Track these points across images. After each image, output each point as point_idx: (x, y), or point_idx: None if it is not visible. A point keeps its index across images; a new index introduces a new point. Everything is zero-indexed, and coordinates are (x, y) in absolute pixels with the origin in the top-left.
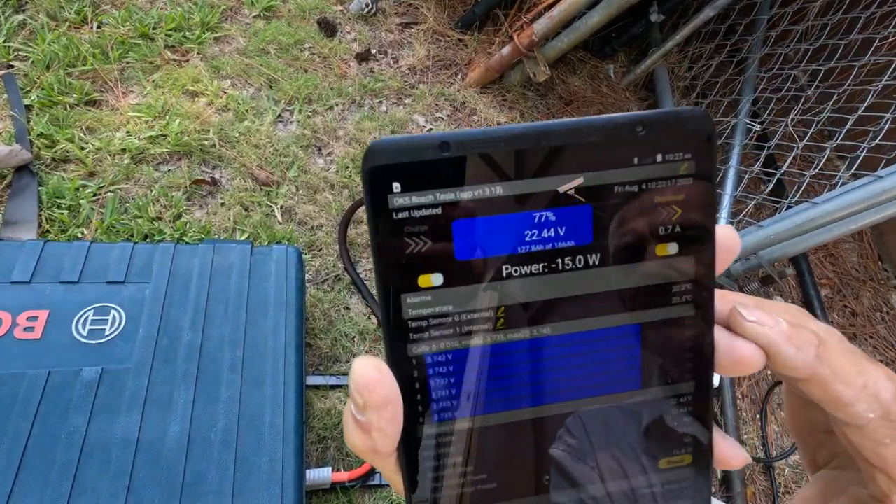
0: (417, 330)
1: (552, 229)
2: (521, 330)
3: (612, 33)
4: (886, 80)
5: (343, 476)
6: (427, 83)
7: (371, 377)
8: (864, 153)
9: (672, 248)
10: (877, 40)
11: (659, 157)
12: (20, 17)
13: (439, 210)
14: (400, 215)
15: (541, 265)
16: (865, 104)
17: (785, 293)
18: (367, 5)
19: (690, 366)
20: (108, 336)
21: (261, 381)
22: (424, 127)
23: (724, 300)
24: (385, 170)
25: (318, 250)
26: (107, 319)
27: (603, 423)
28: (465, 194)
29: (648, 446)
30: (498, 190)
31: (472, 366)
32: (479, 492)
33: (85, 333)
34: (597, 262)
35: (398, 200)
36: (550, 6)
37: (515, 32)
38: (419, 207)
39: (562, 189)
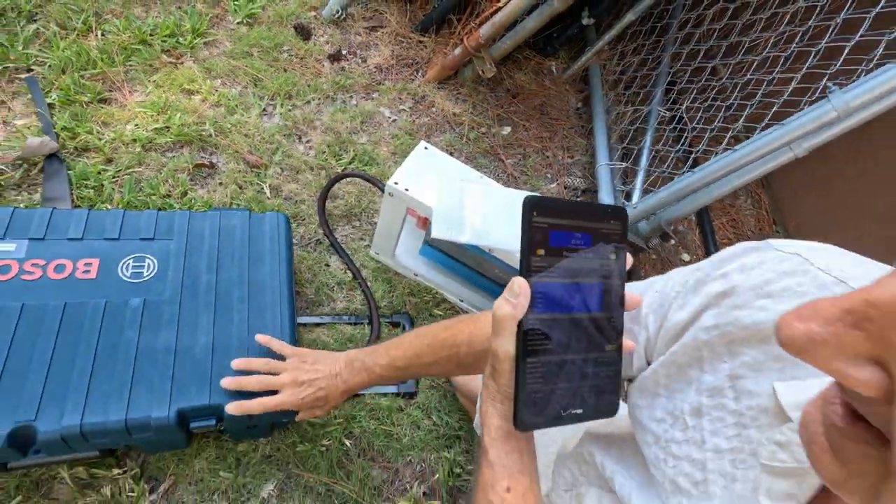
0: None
1: None
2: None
3: (553, 34)
4: (777, 73)
5: None
6: (391, 80)
7: (524, 283)
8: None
9: None
10: (746, 43)
11: None
12: (34, 26)
13: None
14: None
15: None
16: (760, 92)
17: (690, 249)
18: (337, 11)
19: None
20: (146, 277)
21: (263, 310)
22: (389, 118)
23: None
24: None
25: (302, 220)
26: (143, 265)
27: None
28: None
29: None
30: None
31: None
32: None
33: (129, 275)
34: None
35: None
36: (493, 13)
37: (465, 35)
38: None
39: None
